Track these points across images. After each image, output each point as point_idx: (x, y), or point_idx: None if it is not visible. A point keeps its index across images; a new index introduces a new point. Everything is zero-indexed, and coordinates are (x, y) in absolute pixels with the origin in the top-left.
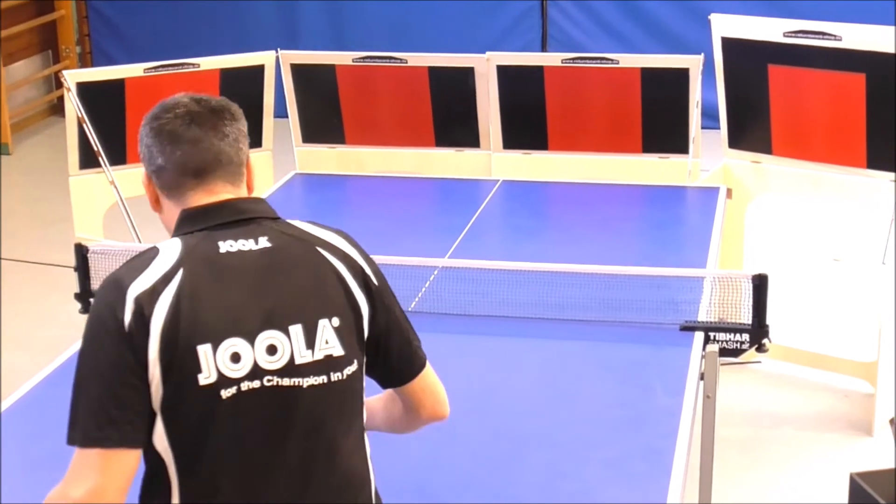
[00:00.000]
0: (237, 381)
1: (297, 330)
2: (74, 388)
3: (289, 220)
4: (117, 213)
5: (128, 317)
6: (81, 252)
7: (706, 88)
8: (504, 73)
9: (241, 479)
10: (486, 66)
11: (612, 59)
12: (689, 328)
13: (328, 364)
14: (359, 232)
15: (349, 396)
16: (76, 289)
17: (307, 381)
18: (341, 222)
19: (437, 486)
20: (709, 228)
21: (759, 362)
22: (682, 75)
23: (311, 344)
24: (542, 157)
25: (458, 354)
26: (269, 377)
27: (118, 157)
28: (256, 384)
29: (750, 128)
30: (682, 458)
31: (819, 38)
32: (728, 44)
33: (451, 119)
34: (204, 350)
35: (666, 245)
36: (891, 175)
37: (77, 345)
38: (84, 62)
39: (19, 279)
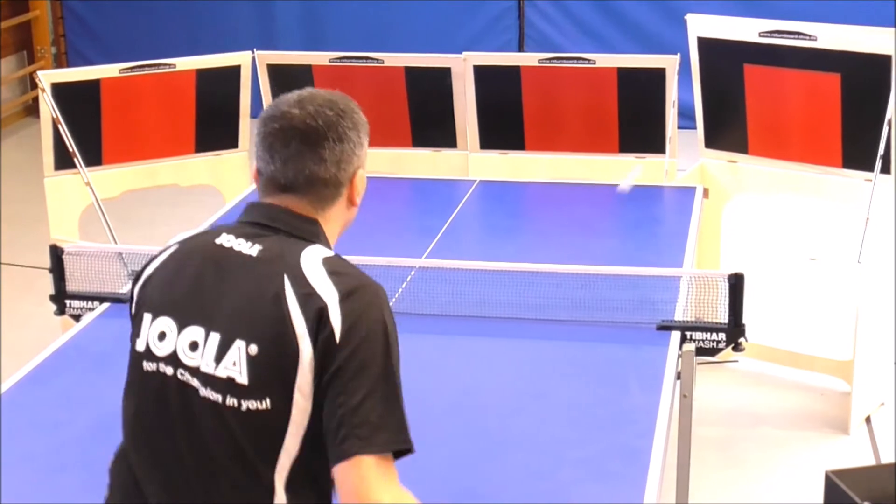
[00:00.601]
0: (157, 360)
1: (215, 338)
2: None
3: (313, 247)
4: (93, 214)
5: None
6: (56, 253)
7: (682, 88)
8: (481, 73)
9: (137, 450)
10: (462, 67)
11: (588, 60)
12: (666, 327)
13: (227, 386)
14: None
15: (249, 431)
16: (51, 290)
17: (203, 393)
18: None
19: (411, 486)
20: (685, 228)
21: (736, 361)
22: (658, 75)
23: (219, 358)
24: (520, 157)
25: (435, 355)
26: (182, 370)
27: (94, 157)
28: (170, 371)
29: (726, 127)
30: (659, 458)
31: (794, 38)
32: (704, 44)
33: (428, 119)
34: (146, 318)
35: (643, 245)
36: (866, 174)
37: (54, 346)
38: (59, 63)
39: None
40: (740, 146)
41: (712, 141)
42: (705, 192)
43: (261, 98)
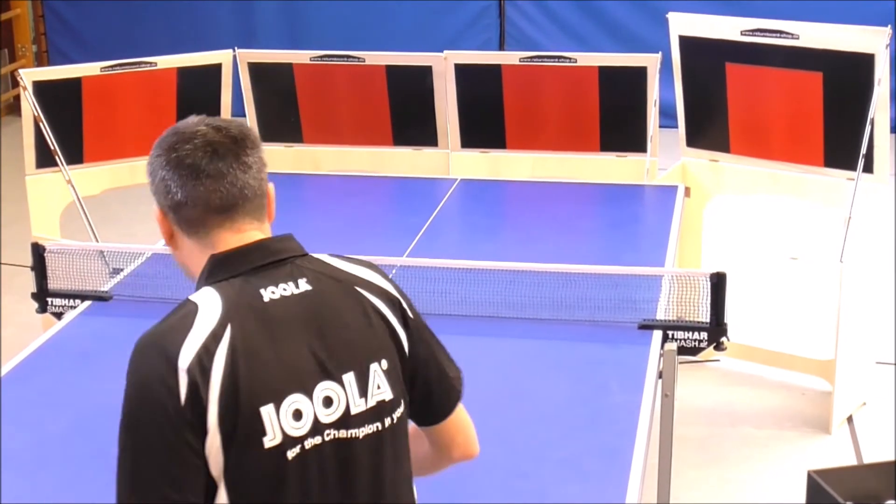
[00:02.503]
0: (301, 440)
1: (350, 378)
2: (124, 476)
3: (316, 256)
4: (74, 212)
5: (183, 391)
6: (38, 251)
7: (664, 87)
8: (462, 71)
9: None
10: (443, 65)
11: (569, 58)
12: (648, 327)
13: (381, 410)
14: (316, 232)
15: (400, 437)
16: (32, 288)
17: (363, 431)
18: (298, 222)
19: None
20: (667, 227)
21: (718, 361)
22: (639, 74)
23: (364, 391)
24: (501, 155)
25: None
26: (328, 430)
27: (75, 156)
28: (318, 440)
29: (708, 126)
30: (641, 457)
31: (777, 37)
32: (686, 42)
33: (409, 118)
34: (267, 411)
35: (624, 243)
36: (848, 173)
37: (35, 344)
38: (40, 61)
39: None
40: (722, 145)
41: (694, 140)
42: (687, 191)
43: (242, 96)
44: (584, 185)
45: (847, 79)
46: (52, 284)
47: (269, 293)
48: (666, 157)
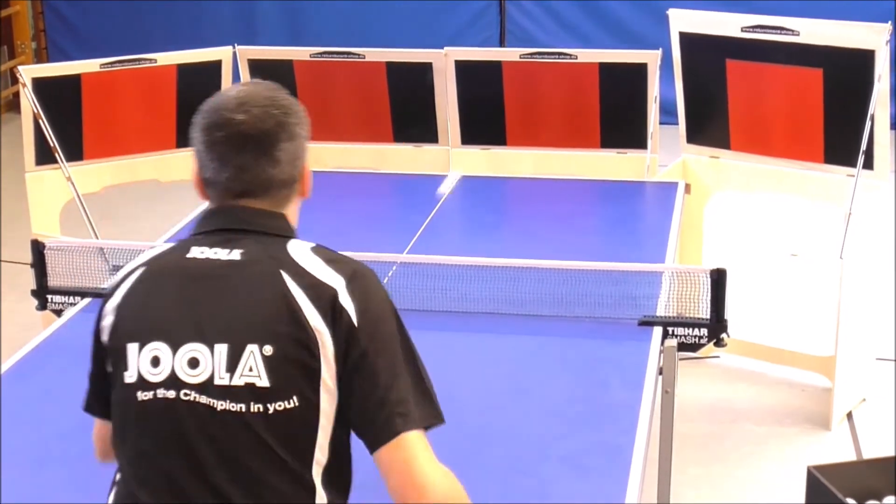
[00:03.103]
0: (154, 386)
1: (221, 349)
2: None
3: (295, 241)
4: (74, 209)
5: (100, 307)
6: (38, 248)
7: (664, 84)
8: (462, 68)
9: (153, 490)
10: (444, 62)
11: (570, 55)
12: (648, 323)
13: (249, 393)
14: (316, 228)
15: (280, 434)
16: (32, 285)
17: (221, 405)
18: (298, 218)
19: None
20: (667, 223)
21: (718, 357)
22: (640, 70)
23: (232, 367)
24: (501, 152)
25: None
26: (187, 390)
27: (75, 153)
28: (172, 394)
29: (708, 123)
30: (641, 454)
31: (777, 34)
32: (686, 39)
33: (410, 114)
34: (132, 348)
35: (624, 240)
36: (848, 170)
37: (35, 341)
38: (39, 58)
39: None
40: (722, 142)
41: (694, 136)
42: (687, 188)
43: None
44: (584, 181)
45: (847, 75)
46: (52, 282)
47: (196, 252)
48: (666, 154)
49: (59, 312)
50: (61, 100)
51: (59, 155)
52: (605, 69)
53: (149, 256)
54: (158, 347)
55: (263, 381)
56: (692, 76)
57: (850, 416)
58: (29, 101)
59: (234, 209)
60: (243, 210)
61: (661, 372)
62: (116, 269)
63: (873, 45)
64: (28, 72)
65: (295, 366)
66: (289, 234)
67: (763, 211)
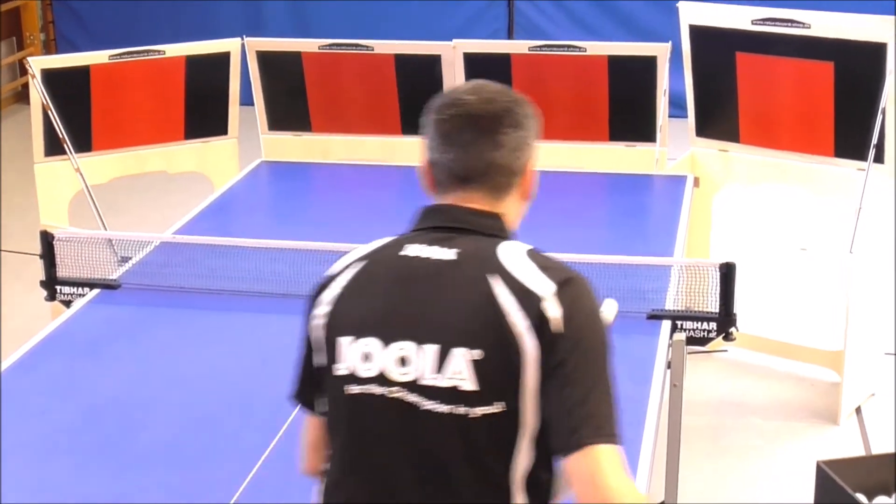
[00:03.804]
0: (364, 381)
1: (430, 350)
2: None
3: (510, 244)
4: (83, 200)
5: (312, 296)
6: (47, 239)
7: (673, 77)
8: (471, 60)
9: (361, 480)
10: (452, 54)
11: (579, 47)
12: (656, 317)
13: (454, 395)
14: (325, 220)
15: (482, 438)
16: (42, 276)
17: (426, 404)
18: (307, 210)
19: None
20: (676, 217)
21: (726, 351)
22: (649, 63)
23: (439, 368)
24: None
25: None
26: (394, 388)
27: (84, 144)
28: (380, 390)
29: (717, 116)
30: (649, 447)
31: (787, 26)
32: (696, 31)
33: (418, 106)
34: (345, 341)
35: (633, 233)
36: (858, 164)
37: (44, 332)
38: (48, 49)
39: None
40: (732, 135)
41: (703, 129)
42: (696, 181)
43: (250, 85)
44: (592, 174)
45: (858, 68)
46: (61, 272)
47: (412, 250)
48: (675, 147)
49: (67, 303)
50: (70, 91)
51: (68, 146)
52: (615, 62)
53: (367, 251)
54: (370, 343)
55: (469, 385)
56: (701, 69)
57: (858, 410)
58: (38, 93)
59: (453, 208)
60: (461, 210)
61: (669, 366)
62: (125, 259)
63: (885, 38)
64: (37, 63)
65: (500, 372)
66: (504, 235)
67: (772, 205)
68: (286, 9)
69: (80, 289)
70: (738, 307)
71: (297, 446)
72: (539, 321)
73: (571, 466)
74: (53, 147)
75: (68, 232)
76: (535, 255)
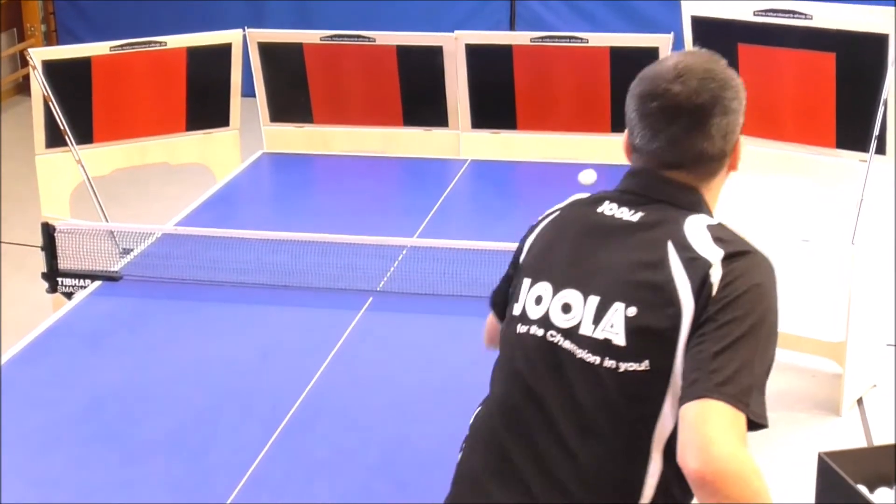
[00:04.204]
0: (531, 322)
1: (593, 301)
2: None
3: (697, 216)
4: (84, 192)
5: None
6: (48, 231)
7: None
8: (473, 52)
9: (503, 410)
10: (454, 45)
11: (581, 39)
12: None
13: (605, 348)
14: (326, 212)
15: (628, 394)
16: (43, 268)
17: (580, 353)
18: (309, 202)
19: (402, 465)
20: None
21: None
22: (651, 55)
23: (597, 320)
24: (511, 136)
25: (426, 333)
26: (554, 332)
27: (85, 135)
28: (541, 332)
29: None
30: None
31: (789, 17)
32: (698, 23)
33: (420, 98)
34: (526, 282)
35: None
36: (860, 155)
37: (45, 324)
38: (49, 40)
39: None
40: None
41: None
42: None
43: (251, 77)
44: (594, 166)
45: (860, 59)
46: (63, 264)
47: (605, 207)
48: None
49: (69, 295)
50: (71, 83)
51: (69, 138)
52: (617, 53)
53: (570, 201)
54: (543, 287)
55: (620, 340)
56: None
57: (860, 401)
58: (39, 84)
59: (652, 175)
60: (659, 178)
61: None
62: (126, 251)
63: (887, 29)
64: (38, 54)
65: (652, 333)
66: (695, 208)
67: (773, 196)
68: (288, 1)
69: (81, 280)
70: None
71: (298, 438)
72: (701, 285)
73: (683, 414)
74: (55, 139)
75: (70, 224)
76: (714, 227)
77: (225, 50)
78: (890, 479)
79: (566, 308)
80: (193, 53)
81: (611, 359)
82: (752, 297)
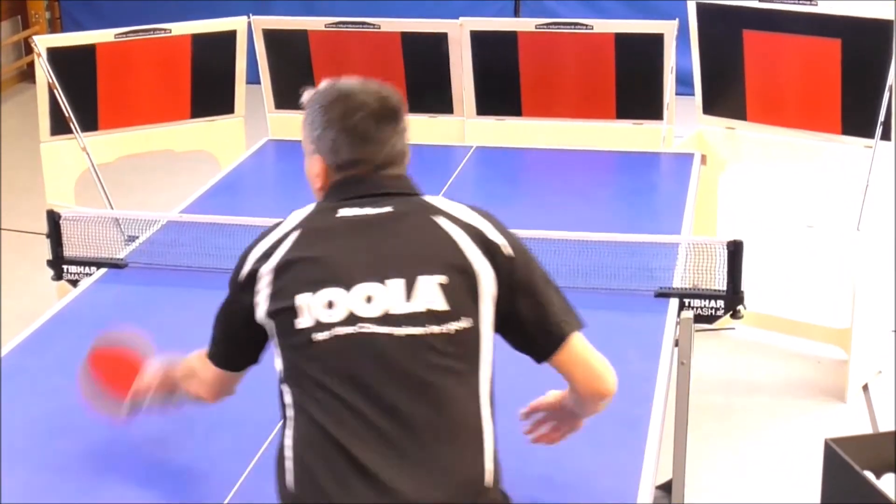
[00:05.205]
0: (331, 326)
1: (396, 283)
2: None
3: (424, 196)
4: (89, 179)
5: (244, 273)
6: (54, 218)
7: (680, 54)
8: (478, 38)
9: (336, 421)
10: (459, 32)
11: (586, 25)
12: (664, 295)
13: (428, 316)
14: None
15: (459, 350)
16: (48, 256)
17: (403, 331)
18: (310, 190)
19: None
20: (683, 195)
21: (733, 329)
22: (656, 41)
23: (409, 296)
24: (516, 123)
25: None
26: (364, 324)
27: (90, 123)
28: (351, 329)
29: (724, 94)
30: (657, 425)
31: (795, 3)
32: (703, 9)
33: (424, 85)
34: (303, 299)
35: (640, 211)
36: (866, 141)
37: (51, 312)
38: (53, 28)
39: None
40: (739, 113)
41: (710, 107)
42: (703, 159)
43: (256, 63)
44: (599, 152)
45: (866, 46)
46: (68, 252)
47: (346, 211)
48: (682, 125)
49: (74, 283)
50: (76, 70)
51: (74, 125)
52: (621, 40)
53: (297, 221)
54: (331, 291)
55: (442, 305)
56: (709, 47)
57: (865, 388)
58: (44, 71)
59: (372, 177)
60: (381, 177)
61: (676, 343)
62: (132, 239)
63: (892, 15)
64: (43, 42)
65: (464, 292)
66: (417, 191)
67: (779, 182)
68: None
69: (86, 268)
70: (746, 285)
71: None
72: (489, 247)
73: (562, 359)
74: (59, 126)
75: (75, 211)
76: (450, 200)
77: (230, 37)
78: (895, 466)
79: (369, 300)
80: (198, 40)
81: (436, 325)
82: (523, 244)
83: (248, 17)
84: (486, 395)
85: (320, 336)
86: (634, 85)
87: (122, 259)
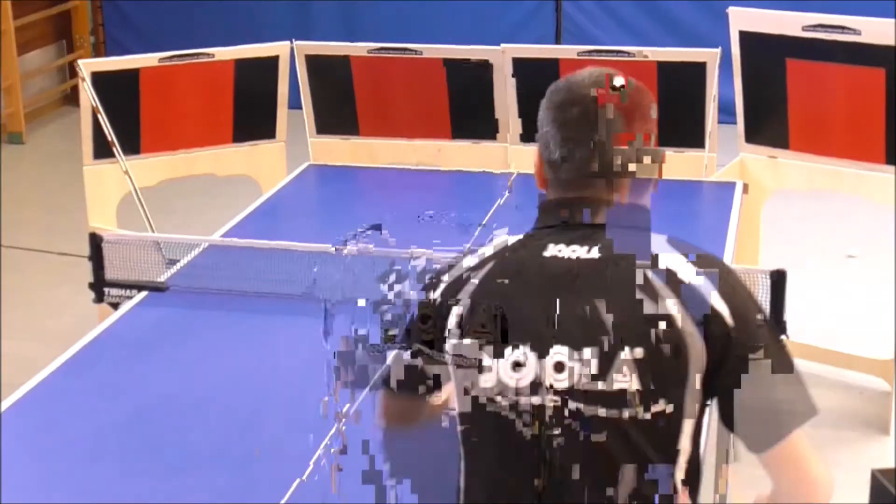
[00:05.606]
0: (516, 392)
1: (589, 353)
2: None
3: (655, 236)
4: (131, 202)
5: (436, 296)
6: (96, 241)
7: (723, 83)
8: (520, 65)
9: (512, 492)
10: (501, 59)
11: (628, 52)
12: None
13: (620, 399)
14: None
15: (650, 439)
16: (90, 278)
17: (588, 410)
18: (355, 214)
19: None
20: (725, 223)
21: None
22: (699, 69)
23: (603, 372)
24: None
25: None
26: (553, 397)
27: (132, 146)
28: (537, 400)
29: (767, 122)
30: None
31: (838, 33)
32: (746, 37)
33: (467, 110)
34: (487, 349)
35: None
36: None
37: (92, 334)
38: (98, 52)
39: (33, 268)
40: (781, 141)
41: (753, 136)
42: (745, 188)
43: (298, 89)
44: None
45: None
46: (109, 274)
47: (553, 250)
48: (724, 154)
49: (115, 305)
50: (119, 94)
51: (117, 149)
52: (664, 67)
53: (494, 250)
54: (521, 352)
55: (635, 385)
56: (752, 75)
57: None
58: (88, 95)
59: (584, 201)
60: (594, 202)
61: None
62: (172, 262)
63: None
64: (87, 66)
65: (665, 370)
66: (644, 225)
67: (821, 211)
68: (334, 12)
69: (127, 291)
70: (789, 315)
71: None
72: (706, 317)
73: (775, 458)
74: (102, 150)
75: (116, 234)
76: (677, 244)
77: (272, 62)
78: None
79: (559, 367)
80: (241, 65)
81: (629, 408)
82: (754, 308)
83: (292, 43)
84: (681, 486)
85: (505, 401)
86: (677, 113)
87: (162, 282)
